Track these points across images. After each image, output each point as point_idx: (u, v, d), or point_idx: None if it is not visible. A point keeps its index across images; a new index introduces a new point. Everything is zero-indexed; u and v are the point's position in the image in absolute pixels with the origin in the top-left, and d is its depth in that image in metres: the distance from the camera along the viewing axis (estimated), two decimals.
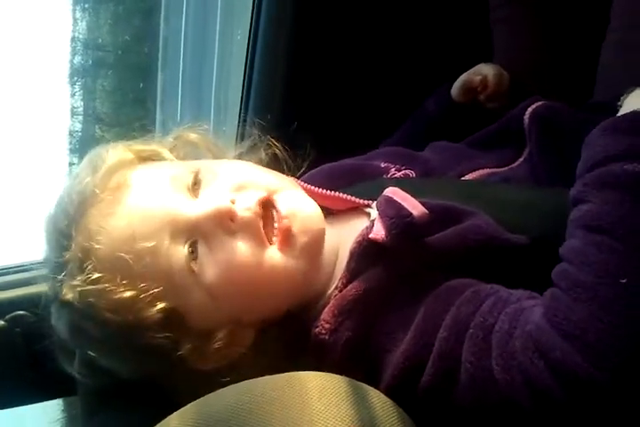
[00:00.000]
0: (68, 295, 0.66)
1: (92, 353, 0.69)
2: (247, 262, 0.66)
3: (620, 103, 0.66)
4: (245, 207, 0.67)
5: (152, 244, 0.65)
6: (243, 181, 0.70)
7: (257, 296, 0.68)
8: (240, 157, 0.81)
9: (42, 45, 2.05)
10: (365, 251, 0.67)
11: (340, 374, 0.56)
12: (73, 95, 2.14)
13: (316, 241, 0.70)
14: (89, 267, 0.66)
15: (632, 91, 0.66)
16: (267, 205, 0.69)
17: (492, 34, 1.15)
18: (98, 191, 0.68)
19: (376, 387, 0.58)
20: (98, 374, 0.71)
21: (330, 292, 0.69)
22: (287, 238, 0.67)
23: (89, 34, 2.12)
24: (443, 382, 0.59)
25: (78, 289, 0.66)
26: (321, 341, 0.66)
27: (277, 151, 0.82)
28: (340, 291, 0.67)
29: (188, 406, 0.56)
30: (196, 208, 0.67)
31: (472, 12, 1.16)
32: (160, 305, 0.65)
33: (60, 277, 0.68)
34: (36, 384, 0.85)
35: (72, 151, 2.12)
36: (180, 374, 0.67)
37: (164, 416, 0.56)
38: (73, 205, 0.69)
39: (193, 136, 0.80)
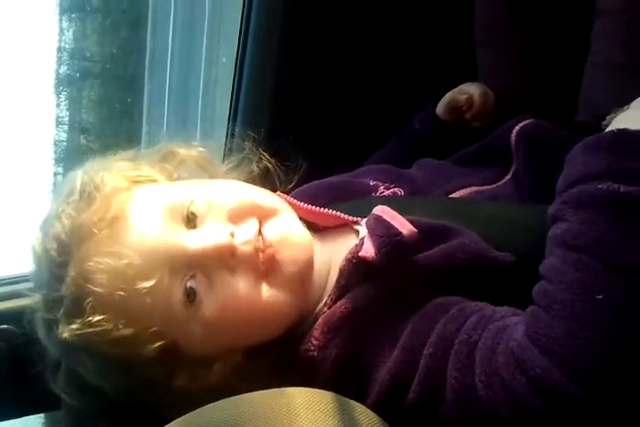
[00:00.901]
0: (65, 334, 0.65)
1: (84, 377, 0.69)
2: (246, 299, 0.66)
3: (605, 122, 0.67)
4: (245, 241, 0.66)
5: (151, 282, 0.64)
6: (239, 207, 0.69)
7: (253, 328, 0.68)
8: (231, 171, 0.80)
9: (28, 55, 2.04)
10: (355, 268, 0.67)
11: (328, 390, 0.57)
12: (58, 105, 2.13)
13: (304, 271, 0.69)
14: (87, 307, 0.64)
15: (618, 110, 0.66)
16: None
17: (477, 53, 1.17)
18: (95, 229, 0.65)
19: (363, 403, 0.59)
20: (86, 397, 0.71)
21: (319, 308, 0.70)
22: (272, 268, 0.67)
23: (75, 44, 2.11)
24: (428, 398, 0.60)
25: (77, 332, 0.64)
26: (310, 357, 0.66)
27: (269, 165, 0.81)
28: (329, 308, 0.67)
29: (175, 422, 0.56)
30: (195, 242, 0.66)
31: (459, 31, 1.17)
32: (159, 342, 0.64)
33: (57, 315, 0.66)
34: (19, 399, 0.83)
35: (57, 161, 2.10)
36: (168, 395, 0.67)
37: None
38: (67, 236, 0.67)
39: (184, 154, 0.79)
